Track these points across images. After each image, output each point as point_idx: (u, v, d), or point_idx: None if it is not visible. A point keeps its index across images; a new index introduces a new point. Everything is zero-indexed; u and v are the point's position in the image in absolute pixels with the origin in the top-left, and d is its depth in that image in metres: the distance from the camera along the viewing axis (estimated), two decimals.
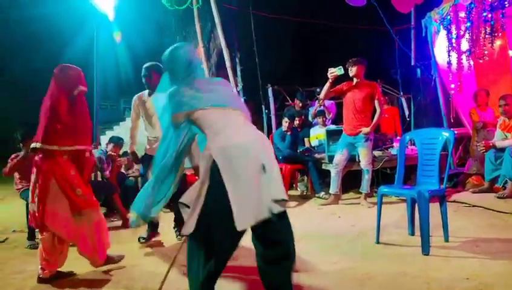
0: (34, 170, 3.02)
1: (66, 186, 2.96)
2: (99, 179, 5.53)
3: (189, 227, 2.07)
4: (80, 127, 3.09)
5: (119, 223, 4.90)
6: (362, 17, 8.45)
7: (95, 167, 5.02)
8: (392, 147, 6.12)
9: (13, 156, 4.41)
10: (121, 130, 11.68)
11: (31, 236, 4.14)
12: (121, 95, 16.93)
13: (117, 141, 5.72)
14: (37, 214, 2.96)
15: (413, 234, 3.74)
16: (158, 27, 8.33)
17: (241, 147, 2.06)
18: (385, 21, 7.69)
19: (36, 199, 2.97)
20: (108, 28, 6.70)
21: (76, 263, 3.24)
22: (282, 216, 2.08)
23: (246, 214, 1.95)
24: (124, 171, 5.97)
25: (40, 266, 3.05)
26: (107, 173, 5.20)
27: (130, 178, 5.70)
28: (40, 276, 3.04)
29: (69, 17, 9.06)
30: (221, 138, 2.08)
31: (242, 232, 2.04)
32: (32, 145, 2.99)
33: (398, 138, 6.67)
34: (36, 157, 3.03)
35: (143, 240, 4.03)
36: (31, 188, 3.04)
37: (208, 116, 2.16)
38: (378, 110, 5.13)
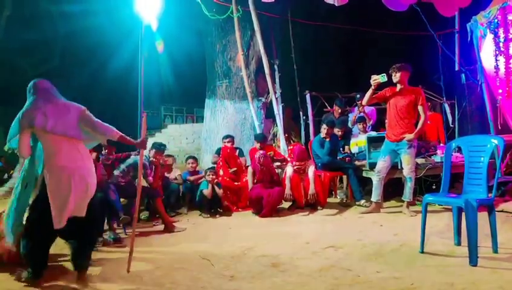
0: None
1: None
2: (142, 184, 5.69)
3: None
4: None
5: (161, 227, 5.01)
6: (404, 22, 8.31)
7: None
8: (435, 154, 5.95)
9: None
10: (162, 136, 11.95)
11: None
12: (162, 103, 17.33)
13: (158, 147, 5.84)
14: None
15: (459, 244, 3.62)
16: (198, 36, 8.51)
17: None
18: (428, 26, 7.53)
19: None
20: (151, 38, 6.92)
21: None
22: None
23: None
24: (168, 175, 6.13)
25: None
26: (150, 178, 5.34)
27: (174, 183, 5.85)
28: None
29: (116, 30, 9.41)
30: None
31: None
32: None
33: (441, 145, 6.49)
34: None
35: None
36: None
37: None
38: (422, 117, 5.01)
